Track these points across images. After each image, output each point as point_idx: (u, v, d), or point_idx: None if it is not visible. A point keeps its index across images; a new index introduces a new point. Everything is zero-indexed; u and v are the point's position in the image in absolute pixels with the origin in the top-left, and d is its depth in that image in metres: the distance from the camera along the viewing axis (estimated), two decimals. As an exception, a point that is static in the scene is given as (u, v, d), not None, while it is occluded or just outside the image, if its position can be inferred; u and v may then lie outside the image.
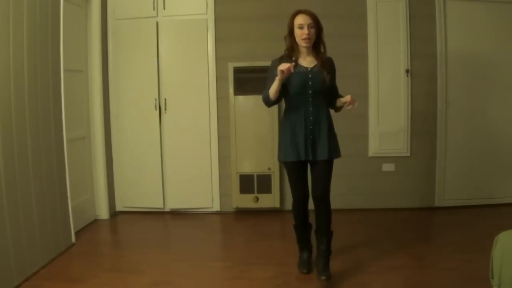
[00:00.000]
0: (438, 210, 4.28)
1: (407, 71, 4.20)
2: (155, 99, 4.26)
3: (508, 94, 4.28)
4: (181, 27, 4.23)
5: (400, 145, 4.27)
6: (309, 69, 2.87)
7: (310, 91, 2.84)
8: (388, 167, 4.30)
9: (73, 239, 3.51)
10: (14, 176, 2.77)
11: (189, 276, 2.95)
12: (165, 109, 4.27)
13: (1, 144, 2.64)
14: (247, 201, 4.23)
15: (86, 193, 4.02)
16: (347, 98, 2.83)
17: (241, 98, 4.19)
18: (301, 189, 2.91)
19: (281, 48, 4.25)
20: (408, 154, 4.28)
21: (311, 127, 2.84)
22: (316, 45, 2.90)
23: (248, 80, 4.15)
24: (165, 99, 4.26)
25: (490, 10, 4.18)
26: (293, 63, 2.76)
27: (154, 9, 4.20)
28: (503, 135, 4.32)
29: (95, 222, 4.12)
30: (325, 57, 2.92)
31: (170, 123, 4.28)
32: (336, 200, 4.27)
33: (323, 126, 2.87)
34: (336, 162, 4.40)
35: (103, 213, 4.20)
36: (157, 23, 4.21)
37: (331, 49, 4.33)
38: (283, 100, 2.99)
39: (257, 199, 4.22)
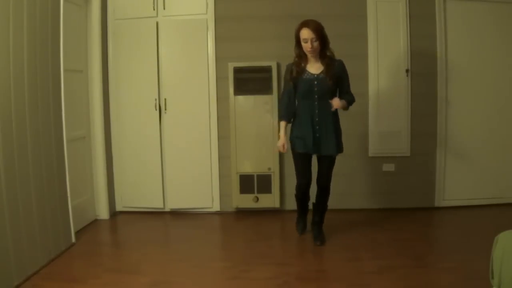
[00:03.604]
0: (438, 210, 4.28)
1: (407, 71, 4.20)
2: (155, 99, 4.26)
3: (508, 94, 4.28)
4: (181, 27, 4.23)
5: (400, 145, 4.27)
6: (316, 75, 3.21)
7: (316, 96, 3.21)
8: (388, 167, 4.30)
9: (73, 239, 3.51)
10: (14, 176, 2.77)
11: (189, 276, 2.95)
12: (165, 109, 4.27)
13: (1, 144, 2.64)
14: (247, 201, 4.24)
15: (86, 193, 4.02)
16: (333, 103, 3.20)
17: (241, 98, 4.19)
18: (305, 176, 3.38)
19: (281, 48, 4.30)
20: (408, 154, 4.28)
21: (317, 127, 3.24)
22: (322, 52, 3.20)
23: (248, 80, 4.16)
24: (165, 99, 4.26)
25: (490, 10, 4.18)
26: (283, 146, 3.33)
27: (154, 9, 4.20)
28: (503, 134, 4.31)
29: (95, 222, 4.12)
30: (332, 62, 3.22)
31: (170, 123, 4.28)
32: (336, 200, 4.29)
33: (329, 125, 3.26)
34: (336, 162, 4.42)
35: (103, 213, 4.20)
36: (157, 23, 4.21)
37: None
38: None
39: (257, 199, 4.22)
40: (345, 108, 3.30)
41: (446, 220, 4.04)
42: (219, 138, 4.30)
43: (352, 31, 4.19)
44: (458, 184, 4.31)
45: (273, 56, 4.19)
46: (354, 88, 4.22)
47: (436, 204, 4.32)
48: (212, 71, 4.25)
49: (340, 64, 3.28)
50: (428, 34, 4.17)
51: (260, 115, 4.19)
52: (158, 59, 4.23)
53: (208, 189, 4.34)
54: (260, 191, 4.22)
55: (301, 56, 3.23)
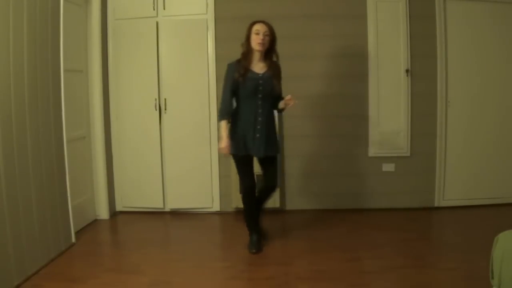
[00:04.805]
0: (438, 210, 4.28)
1: (407, 71, 4.20)
2: (155, 99, 4.25)
3: (508, 94, 4.28)
4: (181, 27, 4.23)
5: (400, 145, 4.27)
6: (260, 75, 3.20)
7: (260, 95, 3.19)
8: (388, 167, 4.30)
9: (73, 239, 3.51)
10: (14, 176, 2.77)
11: (189, 276, 2.95)
12: (165, 109, 4.27)
13: (1, 144, 2.64)
14: (247, 201, 4.23)
15: (86, 193, 4.02)
16: (288, 98, 3.16)
17: (241, 98, 4.18)
18: (251, 179, 3.30)
19: (281, 48, 4.27)
20: (408, 154, 4.28)
21: (259, 127, 3.19)
22: (269, 53, 3.23)
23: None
24: (165, 99, 4.26)
25: (490, 10, 4.18)
26: (227, 150, 3.20)
27: (154, 9, 4.20)
28: (503, 135, 4.31)
29: (95, 222, 4.12)
30: (274, 65, 3.26)
31: (170, 123, 4.28)
32: (337, 200, 4.30)
33: (270, 126, 3.27)
34: (336, 162, 4.44)
35: (103, 213, 4.20)
36: (157, 23, 4.21)
37: (331, 49, 4.39)
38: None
39: (257, 199, 4.21)
40: (283, 109, 3.31)
41: (446, 220, 4.04)
42: (219, 138, 4.29)
43: (352, 31, 4.19)
44: (458, 184, 4.31)
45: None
46: (354, 88, 4.25)
47: (436, 204, 4.32)
48: (212, 71, 4.24)
49: (279, 67, 3.31)
50: (428, 34, 4.17)
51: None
52: (158, 59, 4.23)
53: (208, 189, 4.34)
54: (260, 191, 4.22)
55: (247, 54, 3.21)
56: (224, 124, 3.21)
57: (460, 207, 4.27)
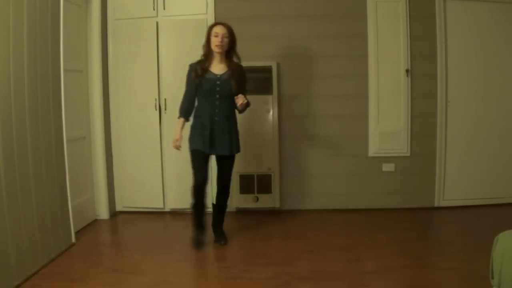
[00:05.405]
0: (438, 210, 4.28)
1: (407, 71, 4.20)
2: (155, 99, 4.26)
3: (508, 94, 4.28)
4: (181, 27, 4.23)
5: (400, 145, 4.27)
6: (218, 76, 3.28)
7: (217, 96, 3.26)
8: (388, 167, 4.30)
9: (73, 239, 3.51)
10: (14, 176, 2.77)
11: (189, 276, 2.95)
12: (165, 109, 4.27)
13: (1, 144, 2.64)
14: (247, 201, 4.24)
15: (86, 193, 4.02)
16: (237, 100, 3.19)
17: (241, 98, 4.18)
18: (204, 175, 3.32)
19: (281, 48, 4.30)
20: (408, 154, 4.28)
21: (215, 127, 3.28)
22: (229, 54, 3.31)
23: (248, 80, 4.13)
24: (165, 99, 4.26)
25: (490, 10, 4.18)
26: (177, 142, 3.33)
27: (154, 9, 4.20)
28: (503, 135, 4.32)
29: (95, 222, 4.12)
30: (235, 66, 3.32)
31: (170, 123, 4.27)
32: (336, 200, 4.30)
33: (228, 126, 3.32)
34: (336, 162, 4.43)
35: (103, 213, 4.20)
36: (157, 23, 4.21)
37: (332, 49, 4.39)
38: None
39: (257, 199, 4.22)
40: (243, 109, 3.30)
41: (446, 220, 4.04)
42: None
43: (352, 31, 4.20)
44: (458, 184, 4.31)
45: (273, 56, 4.19)
46: (354, 88, 4.25)
47: (436, 204, 4.32)
48: (212, 71, 4.24)
49: (241, 68, 3.36)
50: (428, 34, 4.17)
51: (260, 115, 4.18)
52: (158, 59, 4.23)
53: (208, 189, 4.33)
54: (260, 191, 4.22)
55: (207, 55, 3.30)
56: (181, 121, 3.35)
57: (460, 207, 4.27)
